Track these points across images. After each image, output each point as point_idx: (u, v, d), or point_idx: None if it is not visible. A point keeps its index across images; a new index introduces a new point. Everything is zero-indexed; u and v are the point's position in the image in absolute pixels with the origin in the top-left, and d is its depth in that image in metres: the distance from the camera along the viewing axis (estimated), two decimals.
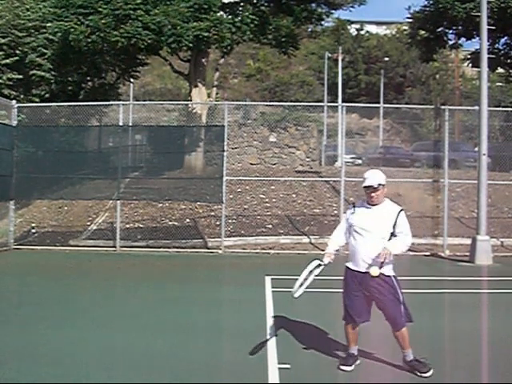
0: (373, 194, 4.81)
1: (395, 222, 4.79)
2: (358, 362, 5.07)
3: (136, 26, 14.73)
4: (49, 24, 16.39)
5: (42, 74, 16.98)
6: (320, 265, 4.95)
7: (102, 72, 20.29)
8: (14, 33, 16.71)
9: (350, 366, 4.99)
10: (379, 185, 4.78)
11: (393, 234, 4.80)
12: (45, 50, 17.11)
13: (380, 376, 4.94)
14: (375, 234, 4.78)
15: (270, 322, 6.52)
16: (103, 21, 14.77)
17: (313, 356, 5.33)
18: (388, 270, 4.85)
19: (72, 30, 14.93)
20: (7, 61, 16.30)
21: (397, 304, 4.86)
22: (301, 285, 4.87)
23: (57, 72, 17.48)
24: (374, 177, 4.81)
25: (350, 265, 5.00)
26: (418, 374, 4.85)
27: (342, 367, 4.98)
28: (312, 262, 4.98)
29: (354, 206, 5.03)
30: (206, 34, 14.98)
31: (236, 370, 4.95)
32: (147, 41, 14.87)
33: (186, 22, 14.82)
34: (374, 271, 4.71)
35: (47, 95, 17.30)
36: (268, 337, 5.92)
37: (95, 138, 17.93)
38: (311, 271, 4.93)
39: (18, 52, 16.77)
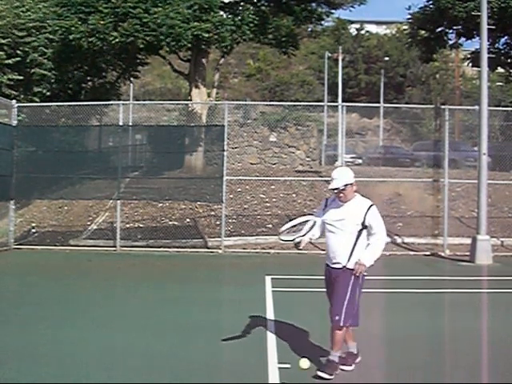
0: (340, 195, 4.80)
1: (364, 218, 4.75)
2: (358, 359, 5.03)
3: (134, 23, 14.70)
4: (49, 21, 16.39)
5: (44, 72, 16.99)
6: (314, 223, 4.91)
7: (102, 71, 20.29)
8: (14, 33, 16.72)
9: (350, 365, 4.97)
10: (346, 185, 4.75)
11: (362, 230, 4.76)
12: (45, 50, 17.12)
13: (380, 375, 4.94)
14: (344, 230, 4.76)
15: (270, 321, 6.52)
16: (102, 22, 14.76)
17: (313, 356, 5.32)
18: (354, 265, 4.78)
19: (73, 28, 14.93)
20: (9, 61, 16.30)
21: (342, 299, 4.72)
22: (288, 228, 4.92)
23: (57, 71, 17.48)
24: (341, 178, 4.76)
25: (326, 261, 4.99)
26: (319, 370, 4.73)
27: (342, 367, 4.96)
28: (310, 219, 4.94)
29: (327, 202, 5.00)
30: (206, 35, 14.96)
31: (236, 370, 4.95)
32: (145, 39, 14.84)
33: (185, 23, 14.80)
34: (304, 364, 4.67)
35: (48, 93, 17.30)
36: (268, 336, 5.91)
37: (95, 138, 17.94)
38: (305, 222, 4.90)
39: (18, 52, 16.77)
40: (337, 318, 4.71)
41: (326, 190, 16.30)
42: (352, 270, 4.77)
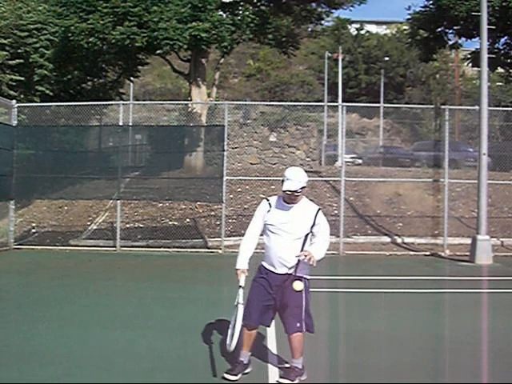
0: (293, 197, 4.56)
1: (314, 222, 4.59)
2: (248, 370, 4.83)
3: (131, 25, 14.67)
4: (49, 21, 16.39)
5: (46, 72, 16.99)
6: (238, 302, 4.59)
7: (102, 71, 20.29)
8: (15, 33, 16.72)
9: (236, 375, 4.71)
10: (302, 188, 4.53)
11: (308, 235, 4.60)
12: (46, 51, 17.11)
13: None
14: (292, 235, 4.56)
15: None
16: (102, 21, 14.74)
17: (313, 356, 5.32)
18: (303, 271, 4.64)
19: (72, 27, 14.91)
20: (12, 62, 16.29)
21: (298, 306, 4.62)
22: (232, 335, 4.54)
23: (58, 72, 17.49)
24: (298, 180, 4.51)
25: (264, 264, 4.79)
26: (281, 377, 4.67)
27: (226, 375, 4.68)
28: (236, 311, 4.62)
29: (270, 204, 4.71)
30: (204, 35, 14.91)
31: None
32: (142, 40, 14.80)
33: (183, 22, 14.74)
34: (297, 285, 4.52)
35: (51, 93, 17.29)
36: (268, 336, 5.91)
37: (95, 138, 17.92)
38: (236, 318, 4.58)
39: (20, 51, 16.76)
40: (298, 325, 4.62)
41: (327, 189, 16.34)
42: (301, 278, 4.61)
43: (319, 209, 4.70)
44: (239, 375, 4.71)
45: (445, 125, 13.57)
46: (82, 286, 8.93)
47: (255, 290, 4.72)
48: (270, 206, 4.70)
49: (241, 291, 4.63)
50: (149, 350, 5.52)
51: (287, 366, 4.86)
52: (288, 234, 4.58)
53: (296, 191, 4.52)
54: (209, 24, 14.90)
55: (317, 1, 18.59)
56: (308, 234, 4.61)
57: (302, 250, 4.57)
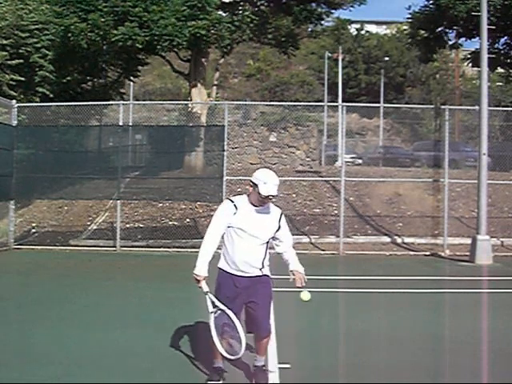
0: (266, 201, 4.40)
1: (278, 226, 4.52)
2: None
3: (132, 26, 14.66)
4: (50, 21, 16.39)
5: (46, 73, 16.99)
6: (214, 303, 4.51)
7: (102, 71, 20.28)
8: (17, 34, 16.70)
9: (218, 380, 4.66)
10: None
11: (270, 237, 4.53)
12: (47, 52, 17.11)
13: None
14: (259, 239, 4.44)
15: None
16: (102, 19, 14.74)
17: (313, 356, 5.32)
18: (267, 271, 4.57)
19: (72, 27, 14.90)
20: (13, 62, 16.28)
21: (269, 311, 4.57)
22: (229, 343, 4.46)
23: (58, 73, 17.48)
24: (274, 183, 4.33)
25: (226, 267, 4.60)
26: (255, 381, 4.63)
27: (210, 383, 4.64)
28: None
29: (235, 206, 4.45)
30: (203, 33, 14.87)
31: (236, 370, 4.94)
32: (144, 40, 14.78)
33: (182, 21, 14.72)
34: (305, 296, 4.41)
35: (51, 95, 17.29)
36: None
37: (95, 138, 17.93)
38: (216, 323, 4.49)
39: (20, 51, 16.75)
40: (268, 327, 4.57)
41: (327, 189, 16.34)
42: (267, 276, 4.55)
43: (282, 212, 4.62)
44: (221, 380, 4.65)
45: (445, 125, 13.57)
46: (82, 286, 8.93)
47: (218, 297, 4.55)
48: (236, 208, 4.43)
49: (210, 296, 4.55)
50: (149, 349, 5.52)
51: (255, 370, 4.69)
52: (255, 238, 4.43)
53: (275, 196, 4.36)
54: (207, 22, 14.88)
55: (317, 1, 18.59)
56: (270, 238, 4.55)
57: (265, 254, 4.51)
